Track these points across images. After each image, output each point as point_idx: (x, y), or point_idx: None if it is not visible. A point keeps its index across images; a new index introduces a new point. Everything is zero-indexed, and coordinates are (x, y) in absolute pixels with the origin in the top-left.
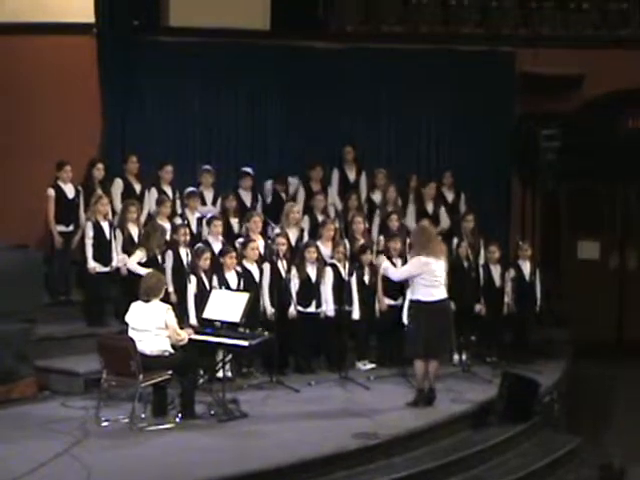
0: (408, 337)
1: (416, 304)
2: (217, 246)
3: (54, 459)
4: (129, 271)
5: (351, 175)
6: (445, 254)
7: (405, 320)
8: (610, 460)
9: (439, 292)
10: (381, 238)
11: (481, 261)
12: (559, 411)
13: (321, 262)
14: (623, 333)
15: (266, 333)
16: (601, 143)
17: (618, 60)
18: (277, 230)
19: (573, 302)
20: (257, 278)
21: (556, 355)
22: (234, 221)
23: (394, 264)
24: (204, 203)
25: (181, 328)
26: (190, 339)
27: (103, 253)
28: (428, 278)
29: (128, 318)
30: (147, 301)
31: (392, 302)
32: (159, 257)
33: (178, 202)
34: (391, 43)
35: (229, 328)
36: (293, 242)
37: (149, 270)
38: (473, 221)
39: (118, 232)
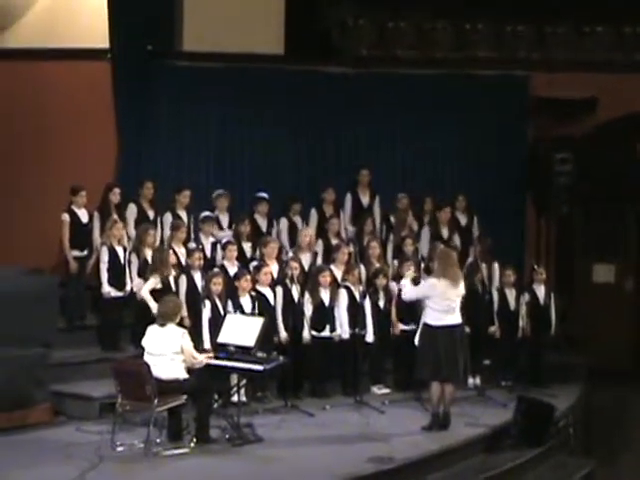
0: (418, 359)
1: (426, 327)
2: (232, 270)
3: None
4: None
5: (364, 199)
6: (462, 282)
7: (416, 342)
8: None
9: (450, 318)
10: (395, 262)
11: (496, 285)
12: (574, 435)
13: (334, 285)
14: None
15: (281, 357)
16: (615, 167)
17: (632, 84)
18: (290, 254)
19: (588, 326)
20: (272, 302)
21: (571, 379)
22: (247, 245)
23: None
24: (220, 227)
25: (199, 352)
26: (205, 364)
27: (118, 278)
28: (438, 302)
29: (144, 342)
30: (163, 325)
31: (405, 327)
32: (172, 282)
33: (192, 227)
34: (405, 68)
35: (244, 352)
36: (306, 266)
37: (162, 299)
38: (486, 244)
39: (134, 256)
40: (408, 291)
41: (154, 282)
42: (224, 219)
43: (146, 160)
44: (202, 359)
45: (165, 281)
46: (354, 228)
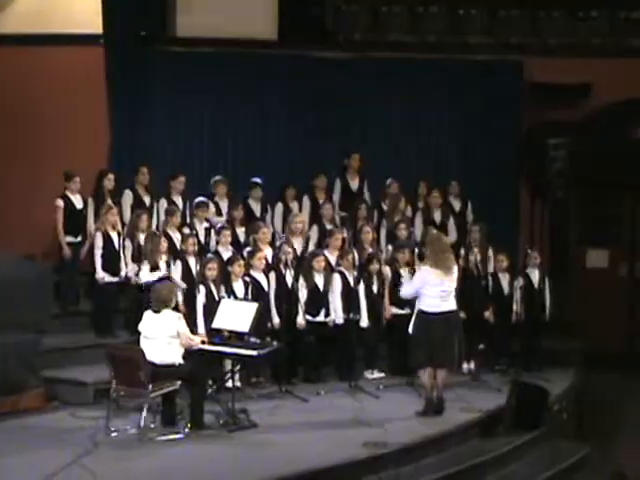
0: (412, 346)
1: (420, 314)
2: (227, 256)
3: (63, 470)
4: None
5: (353, 184)
6: (455, 266)
7: (410, 329)
8: (621, 468)
9: (445, 304)
10: (389, 247)
11: (490, 269)
12: (568, 420)
13: (329, 271)
14: (633, 342)
15: (275, 343)
16: (609, 152)
17: (626, 69)
18: (283, 239)
19: (582, 311)
20: (265, 287)
21: (565, 364)
22: (240, 230)
23: (400, 275)
24: (220, 213)
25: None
26: (199, 349)
27: (112, 263)
28: (432, 289)
29: (141, 327)
30: (157, 312)
31: (399, 311)
32: (162, 267)
33: (187, 213)
34: (399, 52)
35: (238, 338)
36: (299, 251)
37: (155, 286)
38: (480, 230)
39: (128, 241)
40: (405, 289)
41: (147, 269)
42: (223, 205)
43: (140, 146)
44: (199, 341)
45: (155, 267)
46: (344, 213)
